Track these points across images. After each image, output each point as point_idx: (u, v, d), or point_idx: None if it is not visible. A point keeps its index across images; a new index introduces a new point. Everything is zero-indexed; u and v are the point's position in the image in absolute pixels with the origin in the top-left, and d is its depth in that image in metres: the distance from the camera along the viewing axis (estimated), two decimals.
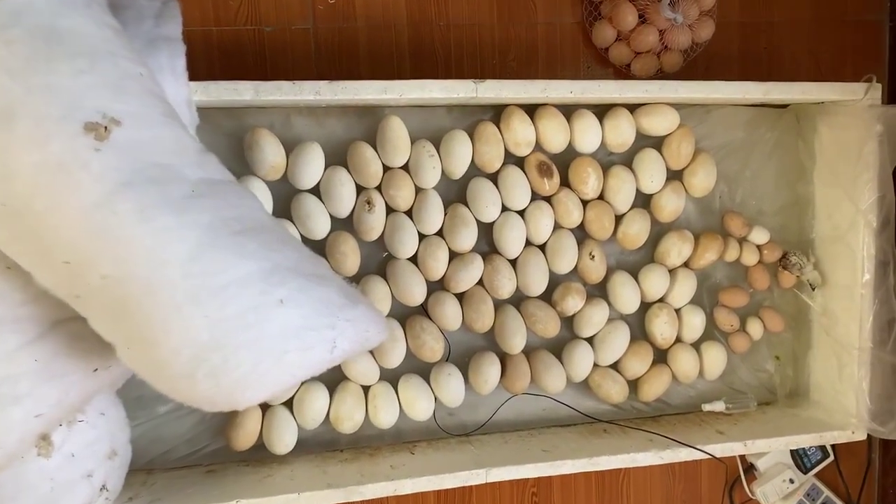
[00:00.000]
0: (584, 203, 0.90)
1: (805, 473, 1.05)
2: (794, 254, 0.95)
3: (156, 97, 0.59)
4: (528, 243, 0.90)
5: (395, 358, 0.86)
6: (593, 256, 0.90)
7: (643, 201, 0.93)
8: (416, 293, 0.85)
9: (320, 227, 0.82)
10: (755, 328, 0.97)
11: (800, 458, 1.05)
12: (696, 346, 0.96)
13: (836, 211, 0.93)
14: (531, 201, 0.89)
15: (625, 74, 0.94)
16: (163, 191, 0.56)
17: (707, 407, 0.96)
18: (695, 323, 0.94)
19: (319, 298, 0.62)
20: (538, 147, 0.88)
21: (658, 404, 0.97)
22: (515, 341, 0.89)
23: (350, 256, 0.83)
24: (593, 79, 0.94)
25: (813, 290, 0.96)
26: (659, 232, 0.94)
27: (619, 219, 0.92)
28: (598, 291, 0.93)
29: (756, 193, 0.97)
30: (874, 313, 0.90)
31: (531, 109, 0.87)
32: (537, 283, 0.89)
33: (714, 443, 0.89)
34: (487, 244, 0.89)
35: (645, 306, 0.94)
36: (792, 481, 1.03)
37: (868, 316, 0.90)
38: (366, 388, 0.87)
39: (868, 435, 0.92)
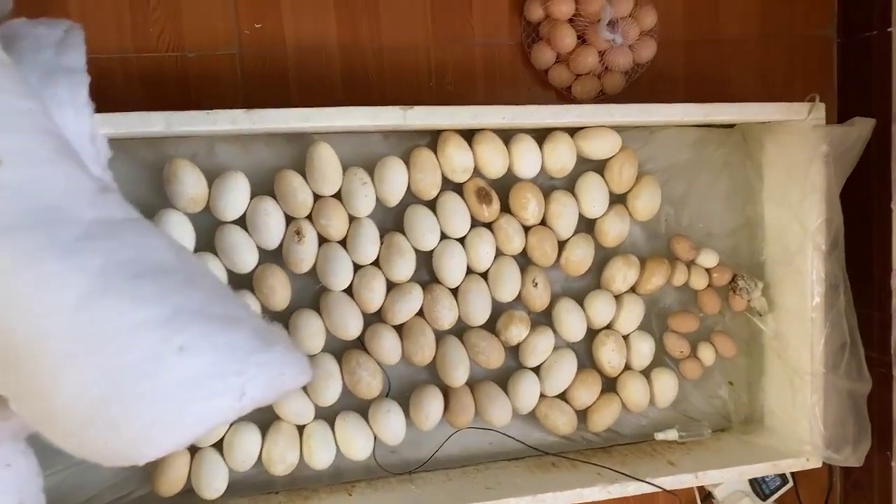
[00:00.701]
0: (526, 229, 0.87)
1: (764, 500, 1.03)
2: (742, 277, 0.93)
3: (46, 134, 0.56)
4: (470, 271, 0.87)
5: (330, 395, 0.82)
6: (536, 284, 0.87)
7: (587, 226, 0.90)
8: (350, 326, 0.82)
9: (246, 260, 0.79)
10: (707, 354, 0.94)
11: (758, 485, 1.02)
12: (646, 373, 0.93)
13: (786, 233, 0.91)
14: (471, 228, 0.86)
15: (566, 97, 0.92)
16: (49, 234, 0.52)
17: (660, 436, 0.93)
18: (643, 350, 0.92)
19: (226, 343, 0.58)
20: (477, 173, 0.85)
21: (609, 434, 0.94)
22: (457, 374, 0.85)
23: (278, 290, 0.79)
24: (535, 101, 0.92)
25: (760, 315, 0.93)
26: (604, 257, 0.91)
27: (562, 244, 0.89)
28: (544, 319, 0.90)
29: (704, 215, 0.94)
30: (825, 337, 0.88)
31: (469, 134, 0.84)
32: (479, 313, 0.86)
33: (665, 475, 0.86)
34: (427, 273, 0.86)
35: (592, 333, 0.92)
36: None
37: (819, 340, 0.88)
38: (301, 428, 0.84)
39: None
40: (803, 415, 0.90)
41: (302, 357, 0.64)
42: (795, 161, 0.87)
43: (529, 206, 0.86)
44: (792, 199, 0.88)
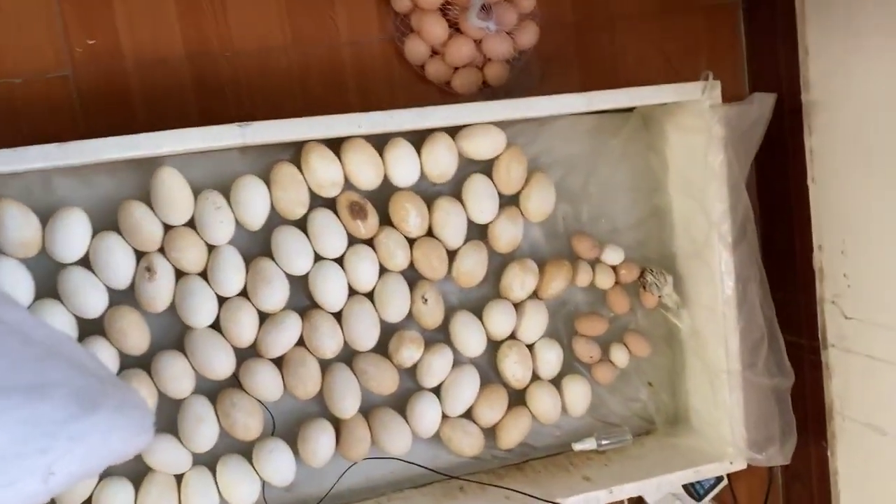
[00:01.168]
0: (411, 242, 0.81)
1: (699, 500, 0.97)
2: (651, 272, 0.86)
3: None
4: (353, 293, 0.80)
5: (204, 440, 0.75)
6: (426, 300, 0.80)
7: (478, 233, 0.83)
8: (220, 364, 0.75)
9: (93, 303, 0.71)
10: (619, 355, 0.88)
11: (691, 486, 0.97)
12: (556, 382, 0.87)
13: (692, 224, 0.85)
14: (348, 246, 0.79)
15: (448, 92, 0.84)
16: None
17: (578, 446, 0.87)
18: (550, 358, 0.85)
19: (26, 419, 0.51)
20: (348, 185, 0.78)
21: (523, 449, 0.88)
22: (346, 404, 0.79)
23: (131, 333, 0.72)
24: (414, 99, 0.85)
25: (674, 311, 0.87)
26: (501, 264, 0.85)
27: (452, 255, 0.82)
28: (440, 336, 0.84)
29: (606, 210, 0.88)
30: (740, 333, 0.82)
31: (338, 143, 0.77)
32: (366, 337, 0.79)
33: (578, 492, 0.80)
34: (306, 298, 0.79)
35: (494, 346, 0.85)
36: None
37: (733, 336, 0.82)
38: (179, 477, 0.77)
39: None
40: (724, 415, 0.84)
41: (141, 415, 0.58)
42: (695, 146, 0.81)
43: (410, 217, 0.79)
44: (695, 188, 0.82)
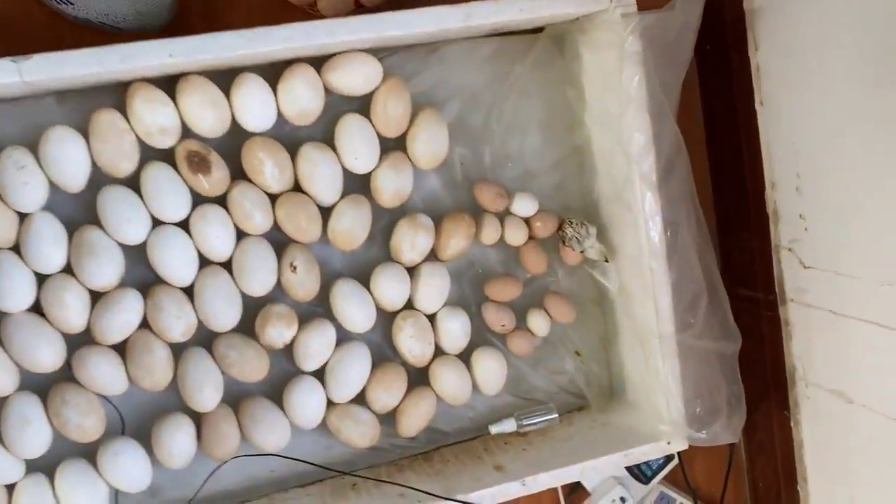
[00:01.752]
0: (273, 199, 0.68)
1: (646, 483, 0.85)
2: (571, 224, 0.73)
3: None
4: (207, 263, 0.67)
5: (33, 445, 0.63)
6: (294, 267, 0.68)
7: (358, 185, 0.70)
8: (45, 355, 0.63)
9: None
10: (538, 322, 0.75)
11: (636, 468, 0.85)
12: (465, 357, 0.74)
13: (612, 162, 0.71)
14: (194, 207, 0.66)
15: (312, 15, 0.71)
16: None
17: (495, 429, 0.75)
18: (454, 329, 0.73)
19: None
20: (187, 132, 0.65)
21: (431, 434, 0.75)
22: (205, 395, 0.67)
23: None
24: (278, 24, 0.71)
25: (600, 267, 0.74)
26: (390, 222, 0.72)
27: (327, 213, 0.69)
28: (319, 310, 0.71)
29: (514, 151, 0.74)
30: (672, 288, 0.69)
31: (173, 82, 0.64)
32: (224, 315, 0.67)
33: (486, 486, 0.68)
34: (147, 272, 0.67)
35: (388, 319, 0.73)
36: (623, 500, 0.82)
37: (663, 292, 0.69)
38: (10, 488, 0.66)
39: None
40: (659, 386, 0.71)
41: None
42: (610, 66, 0.67)
43: (266, 168, 0.66)
44: (613, 118, 0.68)
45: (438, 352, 0.73)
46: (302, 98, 0.65)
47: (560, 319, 0.76)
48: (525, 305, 0.76)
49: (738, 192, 0.80)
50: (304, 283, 0.68)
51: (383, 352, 0.73)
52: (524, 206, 0.73)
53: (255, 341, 0.68)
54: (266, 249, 0.68)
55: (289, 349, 0.70)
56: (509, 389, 0.76)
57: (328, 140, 0.69)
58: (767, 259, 0.79)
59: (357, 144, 0.68)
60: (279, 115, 0.66)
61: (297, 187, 0.68)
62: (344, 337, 0.71)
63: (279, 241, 0.69)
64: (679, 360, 0.70)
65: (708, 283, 0.70)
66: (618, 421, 0.77)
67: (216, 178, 0.65)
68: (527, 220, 0.74)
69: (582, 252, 0.74)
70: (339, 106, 0.69)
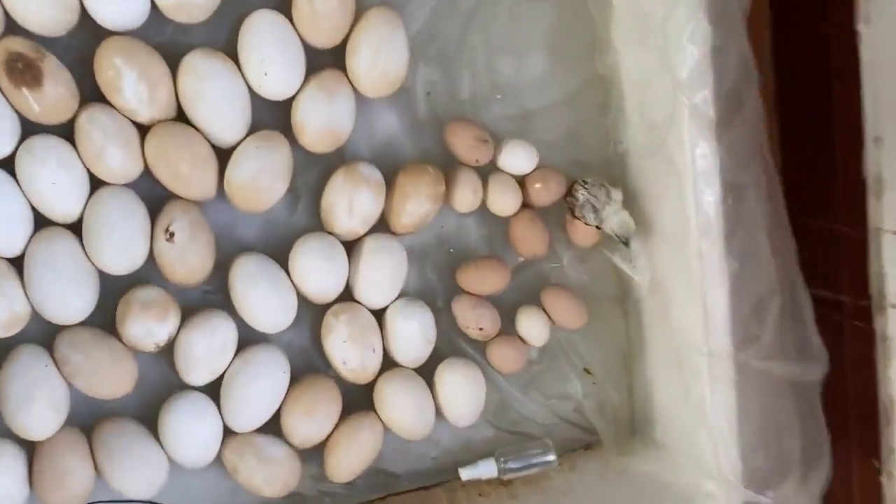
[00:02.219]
0: (143, 131, 0.46)
1: None
2: (584, 185, 0.51)
3: None
4: (43, 223, 0.46)
5: None
6: (171, 234, 0.46)
7: (275, 117, 0.48)
8: None
9: None
10: (533, 326, 0.53)
11: None
12: (427, 371, 0.52)
13: (649, 95, 0.49)
14: (21, 138, 0.44)
15: None
16: None
17: (467, 473, 0.53)
18: (411, 331, 0.50)
19: None
20: (12, 27, 0.44)
21: (377, 479, 0.54)
22: (35, 415, 0.44)
23: None
24: None
25: (625, 244, 0.52)
26: (321, 173, 0.50)
27: (225, 156, 0.48)
28: (214, 298, 0.49)
29: (506, 78, 0.51)
30: (730, 283, 0.47)
31: None
32: (68, 300, 0.44)
33: None
34: None
35: (315, 314, 0.51)
36: None
37: (718, 290, 0.47)
38: None
39: None
40: (704, 424, 0.49)
41: None
42: None
43: (126, 83, 0.43)
44: (651, 25, 0.46)
45: (388, 363, 0.51)
46: None
47: (564, 323, 0.53)
48: (515, 302, 0.53)
49: (820, 149, 0.57)
50: (186, 258, 0.46)
51: (308, 361, 0.51)
52: (517, 158, 0.51)
53: (116, 340, 0.47)
54: (132, 205, 0.46)
55: (169, 353, 0.48)
56: (489, 418, 0.54)
57: (229, 49, 0.47)
58: (860, 247, 0.56)
59: (269, 54, 0.46)
60: (153, 6, 0.45)
61: (180, 117, 0.47)
62: (249, 338, 0.50)
63: (154, 196, 0.47)
64: (736, 389, 0.47)
65: (782, 280, 0.48)
66: (640, 468, 0.54)
67: (52, 96, 0.43)
68: (521, 180, 0.52)
69: (599, 227, 0.51)
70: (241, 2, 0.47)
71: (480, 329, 0.51)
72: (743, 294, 0.46)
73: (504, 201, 0.51)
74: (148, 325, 0.46)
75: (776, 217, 0.48)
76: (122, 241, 0.46)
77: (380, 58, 0.48)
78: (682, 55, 0.44)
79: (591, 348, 0.55)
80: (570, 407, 0.56)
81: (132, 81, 0.44)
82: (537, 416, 0.55)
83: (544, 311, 0.53)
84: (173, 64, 0.46)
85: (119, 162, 0.45)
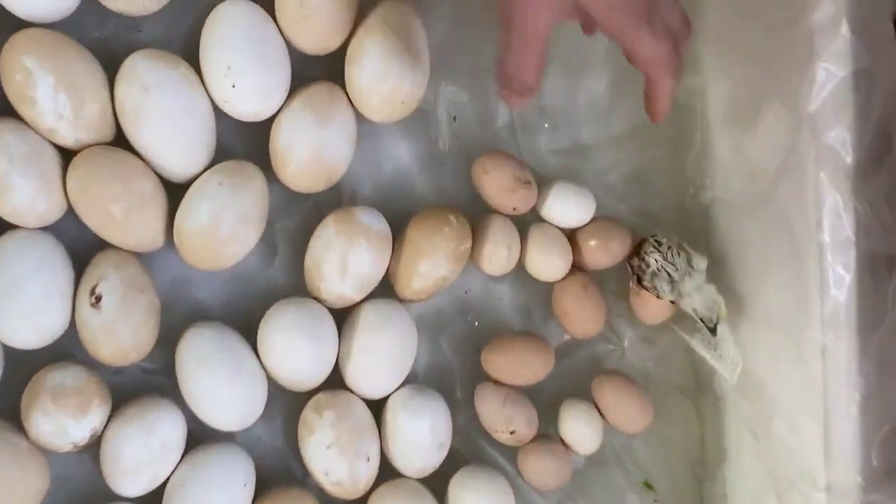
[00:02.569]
0: (68, 154, 0.35)
1: None
2: (658, 245, 0.38)
3: None
4: None
5: None
6: (99, 298, 0.34)
7: (247, 143, 0.37)
8: None
9: None
10: (581, 427, 0.40)
11: None
12: (438, 483, 0.39)
13: (754, 128, 0.36)
14: None
15: None
16: None
17: None
18: (418, 430, 0.38)
19: None
20: None
21: None
22: None
23: None
24: None
25: (711, 331, 0.39)
26: (306, 219, 0.38)
27: (178, 193, 0.36)
28: (162, 378, 0.38)
29: (557, 101, 0.40)
30: (861, 394, 0.34)
31: None
32: None
33: None
34: None
35: (292, 404, 0.39)
36: None
37: (849, 403, 0.34)
38: None
39: None
40: None
41: None
42: None
43: (39, 91, 0.32)
44: (766, 37, 0.34)
45: (387, 471, 0.39)
46: None
47: (621, 424, 0.40)
48: (558, 394, 0.41)
49: None
50: (115, 331, 0.34)
51: (280, 465, 0.39)
52: (567, 206, 0.39)
53: (22, 437, 0.35)
54: (47, 257, 0.34)
55: (96, 449, 0.36)
56: None
57: (189, 52, 0.35)
58: None
59: (240, 59, 0.34)
60: None
61: (118, 140, 0.35)
62: (203, 434, 0.37)
63: (81, 244, 0.35)
64: None
65: None
66: None
67: None
68: (571, 235, 0.40)
69: (674, 301, 0.39)
70: None
71: (512, 433, 0.39)
72: (881, 410, 0.33)
73: (548, 262, 0.39)
74: (60, 422, 0.34)
75: None
76: (31, 304, 0.34)
77: (391, 68, 0.36)
78: (811, 77, 0.31)
79: (655, 457, 0.43)
80: None
81: (48, 90, 0.32)
82: None
83: (596, 407, 0.41)
84: (113, 68, 0.34)
85: (28, 198, 0.33)
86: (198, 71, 0.35)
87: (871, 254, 0.32)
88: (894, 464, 0.34)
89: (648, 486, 0.43)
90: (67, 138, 0.34)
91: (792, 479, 0.36)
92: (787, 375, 0.35)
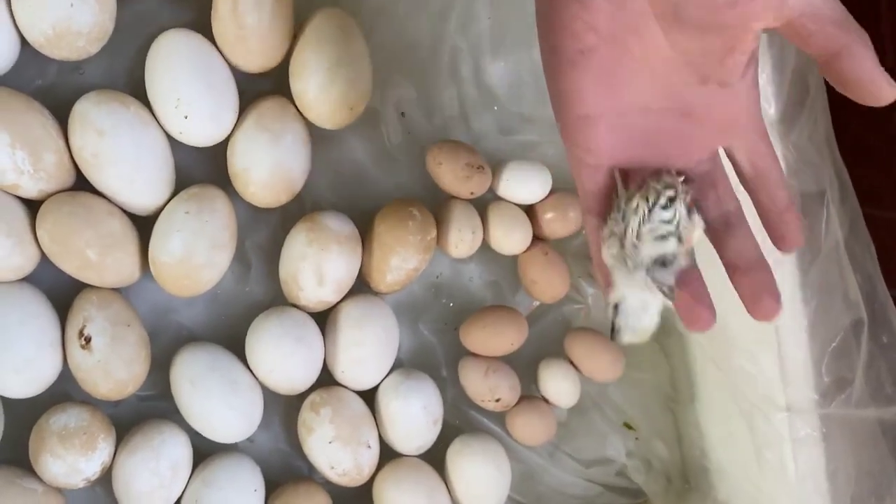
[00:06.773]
0: (35, 205, 0.35)
1: None
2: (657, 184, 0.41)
3: None
4: None
5: None
6: (88, 339, 0.34)
7: (208, 168, 0.37)
8: None
9: None
10: (560, 383, 0.42)
11: None
12: (436, 456, 0.42)
13: None
14: None
15: None
16: None
17: None
18: (407, 413, 0.40)
19: None
20: None
21: None
22: None
23: None
24: None
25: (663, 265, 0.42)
26: (274, 230, 0.39)
27: (148, 226, 0.37)
28: (161, 403, 0.39)
29: (507, 82, 0.41)
30: (809, 322, 0.37)
31: None
32: None
33: None
34: None
35: (289, 407, 0.40)
36: None
37: (797, 331, 0.37)
38: None
39: None
40: (785, 489, 0.40)
41: None
42: None
43: None
44: None
45: (387, 453, 0.41)
46: None
47: (596, 374, 0.43)
48: (534, 356, 0.43)
49: (877, 123, 0.47)
50: (110, 368, 0.35)
51: (286, 464, 0.41)
52: (523, 184, 0.40)
53: (36, 480, 0.36)
54: (30, 307, 0.35)
55: (106, 482, 0.38)
56: (520, 492, 0.45)
57: (135, 86, 0.36)
58: None
59: (187, 89, 0.35)
60: (23, 40, 0.33)
61: (80, 183, 0.36)
62: (209, 448, 0.39)
63: (58, 287, 0.36)
64: (824, 447, 0.38)
65: (869, 306, 0.38)
66: None
67: None
68: (530, 208, 0.42)
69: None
70: (154, 17, 0.35)
71: (497, 400, 0.41)
72: (825, 332, 0.37)
73: (510, 238, 0.41)
74: (71, 461, 0.35)
75: (850, 226, 0.39)
76: (22, 358, 0.35)
77: (335, 76, 0.37)
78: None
79: (631, 399, 0.45)
80: (611, 471, 0.46)
81: (5, 147, 0.33)
82: (571, 487, 0.45)
83: (571, 363, 0.43)
84: (61, 113, 0.34)
85: (2, 253, 0.34)
86: (146, 104, 0.36)
87: (803, 194, 0.35)
88: (842, 376, 0.38)
89: (628, 426, 0.46)
90: (31, 190, 0.34)
91: (754, 402, 0.40)
92: (742, 313, 0.38)
